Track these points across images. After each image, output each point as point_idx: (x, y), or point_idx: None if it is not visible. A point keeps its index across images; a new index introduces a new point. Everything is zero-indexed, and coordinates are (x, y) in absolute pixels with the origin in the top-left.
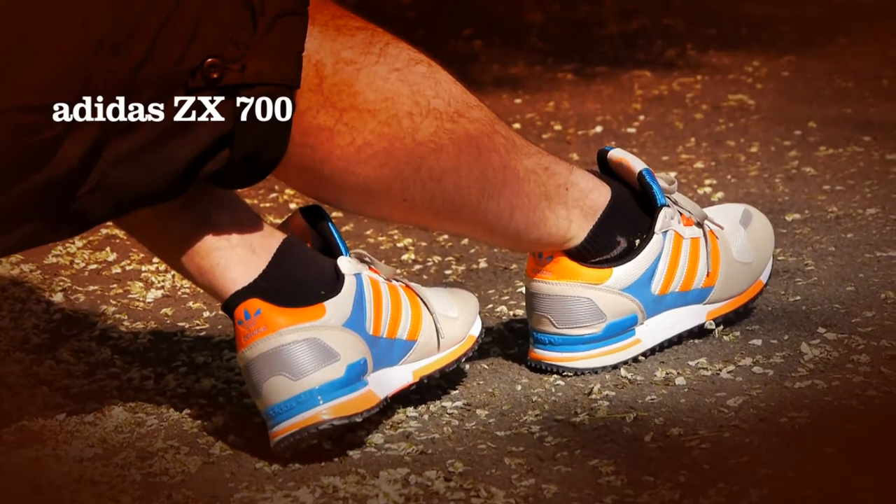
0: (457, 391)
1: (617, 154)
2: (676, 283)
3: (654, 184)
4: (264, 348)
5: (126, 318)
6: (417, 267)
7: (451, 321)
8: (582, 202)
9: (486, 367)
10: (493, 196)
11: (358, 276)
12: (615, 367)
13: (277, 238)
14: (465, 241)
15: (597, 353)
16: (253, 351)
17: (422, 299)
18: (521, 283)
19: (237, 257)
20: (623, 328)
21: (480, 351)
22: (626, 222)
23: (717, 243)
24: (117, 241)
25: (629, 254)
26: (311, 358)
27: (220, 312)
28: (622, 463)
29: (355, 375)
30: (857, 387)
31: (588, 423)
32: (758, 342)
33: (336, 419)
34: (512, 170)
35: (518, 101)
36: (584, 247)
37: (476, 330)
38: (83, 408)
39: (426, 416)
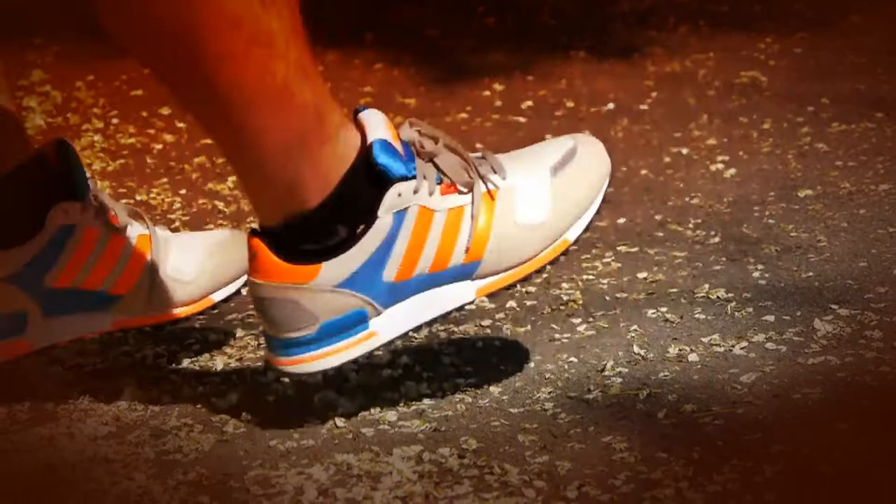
0: (470, 368)
1: (364, 117)
2: (423, 265)
3: (387, 157)
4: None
5: None
6: None
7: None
8: (334, 168)
9: (498, 344)
10: (259, 108)
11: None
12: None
13: None
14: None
15: (320, 353)
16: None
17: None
18: None
19: None
20: (347, 325)
21: (493, 328)
22: (353, 205)
23: (492, 207)
24: None
25: (345, 243)
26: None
27: None
28: (635, 440)
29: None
30: (870, 363)
31: (601, 399)
32: (771, 318)
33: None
34: (288, 91)
35: (530, 77)
36: (296, 232)
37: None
38: (96, 386)
39: (439, 394)
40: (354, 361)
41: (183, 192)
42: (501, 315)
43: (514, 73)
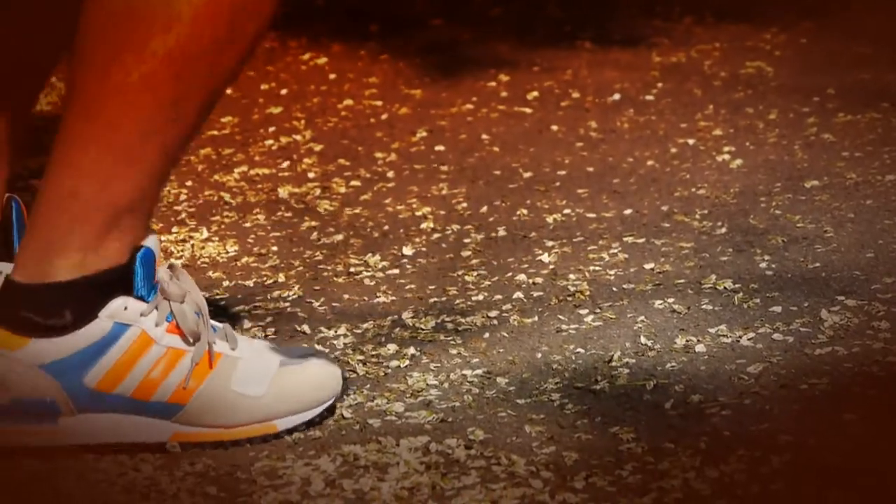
0: (477, 359)
1: (148, 239)
2: (127, 387)
3: (142, 270)
4: None
5: None
6: (436, 236)
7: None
8: (99, 260)
9: (505, 335)
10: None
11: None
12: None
13: None
14: (484, 209)
15: (6, 429)
16: None
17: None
18: (541, 251)
19: None
20: (38, 409)
21: (500, 319)
22: (89, 298)
23: (211, 365)
24: None
25: (65, 329)
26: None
27: (240, 282)
28: (642, 430)
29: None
30: (877, 353)
31: (608, 390)
32: (778, 309)
33: None
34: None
35: (535, 69)
36: (31, 296)
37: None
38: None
39: (446, 385)
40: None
41: (189, 183)
42: (508, 306)
43: (519, 63)
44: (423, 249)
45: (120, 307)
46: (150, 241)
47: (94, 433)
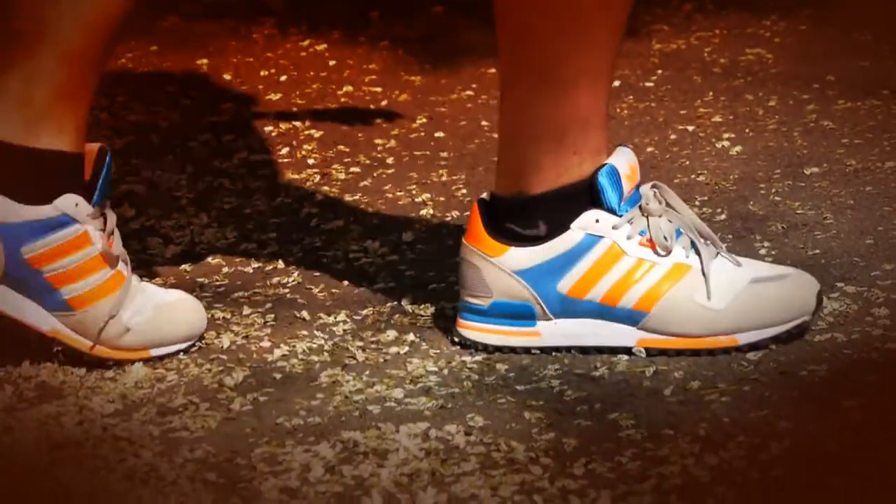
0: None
1: (617, 150)
2: (596, 293)
3: (608, 182)
4: None
5: (145, 273)
6: (436, 222)
7: None
8: (568, 172)
9: None
10: (588, 43)
11: None
12: (512, 349)
13: None
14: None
15: (484, 327)
16: None
17: None
18: None
19: None
20: (515, 313)
21: None
22: (560, 209)
23: (678, 279)
24: (136, 196)
25: (539, 239)
26: None
27: (240, 268)
28: (642, 416)
29: None
30: (876, 340)
31: (607, 377)
32: None
33: None
34: (605, 55)
35: None
36: (510, 209)
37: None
38: (103, 364)
39: (446, 371)
40: (486, 349)
41: (189, 169)
42: None
43: None
44: (423, 236)
45: (591, 220)
46: (615, 158)
47: (568, 336)
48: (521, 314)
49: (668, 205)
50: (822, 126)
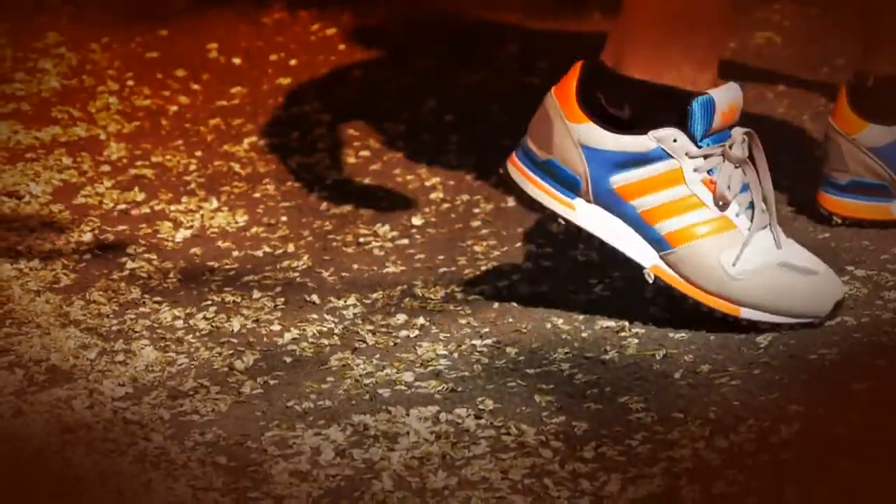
0: (486, 329)
1: (726, 83)
2: (639, 205)
3: (699, 110)
4: None
5: (155, 257)
6: (445, 206)
7: None
8: (704, 66)
9: (515, 305)
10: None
11: None
12: (548, 212)
13: None
14: (493, 179)
15: (530, 176)
16: None
17: None
18: (550, 221)
19: None
20: (562, 178)
21: (509, 288)
22: (653, 107)
23: (718, 232)
24: (146, 181)
25: (625, 126)
26: None
27: (250, 252)
28: (652, 400)
29: None
30: (886, 323)
31: (618, 360)
32: None
33: None
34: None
35: (545, 39)
36: (602, 80)
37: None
38: (113, 347)
39: (456, 355)
40: (521, 197)
41: (199, 154)
42: (518, 276)
43: (528, 34)
44: (433, 219)
45: (669, 136)
46: (719, 92)
47: (597, 225)
48: (566, 182)
49: (750, 156)
50: (831, 110)
